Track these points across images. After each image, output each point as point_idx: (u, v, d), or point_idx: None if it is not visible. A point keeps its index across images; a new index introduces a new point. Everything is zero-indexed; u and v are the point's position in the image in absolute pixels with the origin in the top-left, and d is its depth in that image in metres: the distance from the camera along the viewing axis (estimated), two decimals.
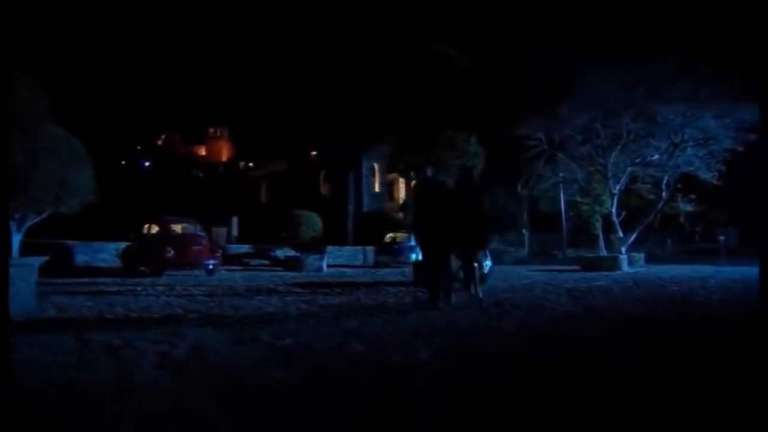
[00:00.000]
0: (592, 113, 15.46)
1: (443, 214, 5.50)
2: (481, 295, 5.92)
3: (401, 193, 39.79)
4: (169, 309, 5.59)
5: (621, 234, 15.35)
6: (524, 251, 31.28)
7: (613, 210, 15.35)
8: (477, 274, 5.99)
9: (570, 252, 25.60)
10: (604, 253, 14.88)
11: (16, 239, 10.84)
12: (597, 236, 16.22)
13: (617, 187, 15.54)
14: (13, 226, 10.73)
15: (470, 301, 5.78)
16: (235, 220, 45.74)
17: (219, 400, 2.34)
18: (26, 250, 11.47)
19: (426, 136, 8.88)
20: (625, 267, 13.66)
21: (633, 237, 15.36)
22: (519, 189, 33.07)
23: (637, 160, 15.70)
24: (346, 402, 2.30)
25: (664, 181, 15.67)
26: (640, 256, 15.93)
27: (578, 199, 16.15)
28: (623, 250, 14.92)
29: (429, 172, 6.00)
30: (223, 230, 44.49)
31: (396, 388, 2.55)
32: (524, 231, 33.23)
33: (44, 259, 11.27)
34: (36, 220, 10.97)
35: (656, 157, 15.46)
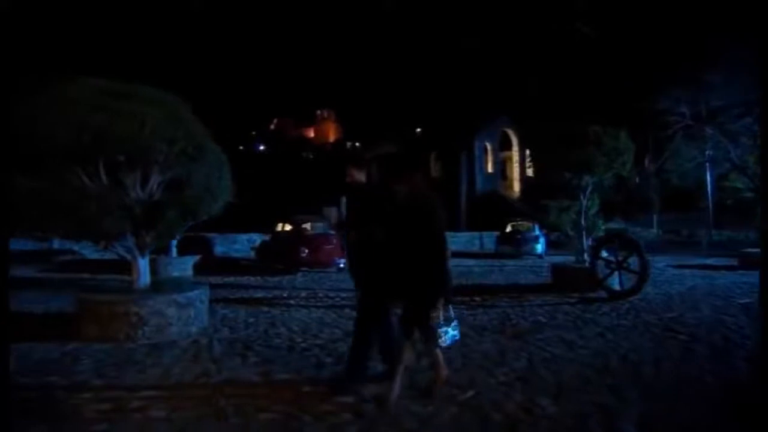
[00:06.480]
0: (751, 78, 13.33)
1: (381, 238, 3.72)
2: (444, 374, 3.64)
3: (515, 172, 38.18)
4: (328, 331, 5.79)
5: None
6: (653, 232, 28.63)
7: None
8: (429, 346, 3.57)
9: (715, 234, 22.71)
10: None
11: (173, 241, 12.13)
12: (753, 218, 14.10)
13: None
14: None
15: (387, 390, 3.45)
16: (344, 200, 47.53)
17: None
18: (180, 244, 12.84)
19: (568, 132, 8.16)
20: None
21: None
22: (646, 164, 30.09)
23: None
24: None
25: None
26: None
27: (738, 185, 14.05)
28: None
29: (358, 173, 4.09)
30: (333, 209, 46.48)
31: None
32: (653, 212, 30.32)
33: (197, 258, 12.45)
34: (190, 224, 12.19)
35: None
